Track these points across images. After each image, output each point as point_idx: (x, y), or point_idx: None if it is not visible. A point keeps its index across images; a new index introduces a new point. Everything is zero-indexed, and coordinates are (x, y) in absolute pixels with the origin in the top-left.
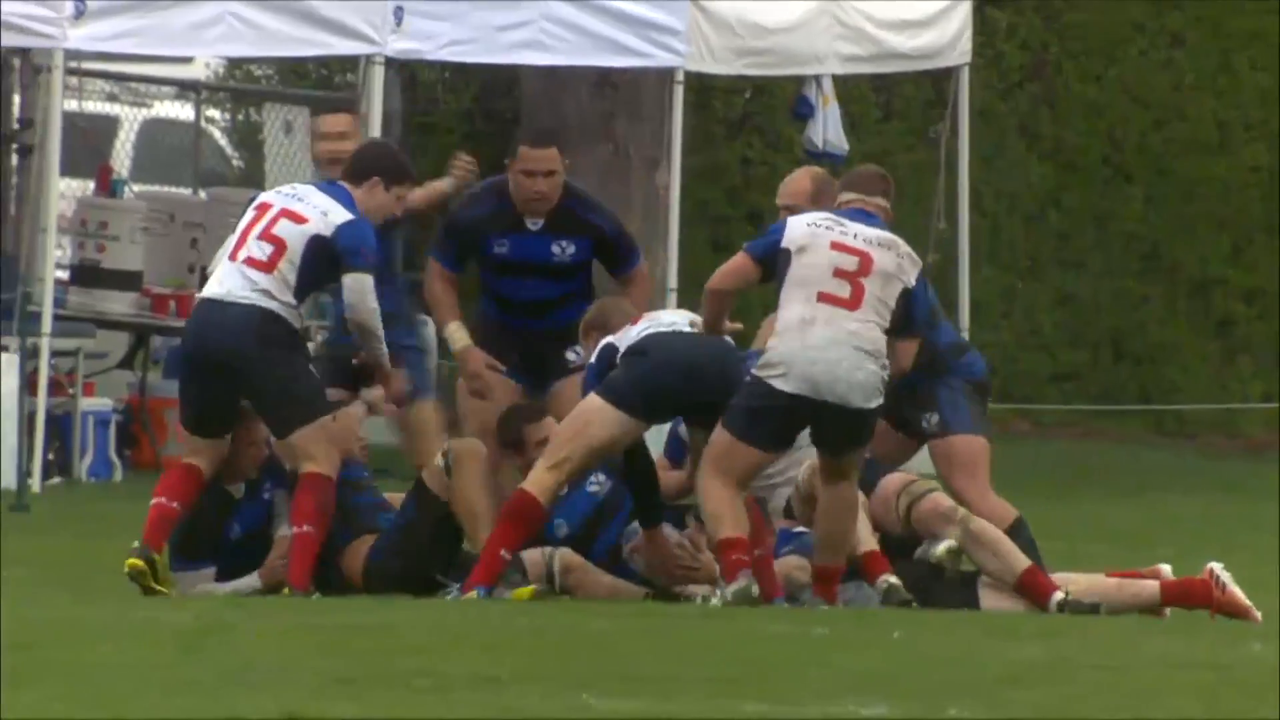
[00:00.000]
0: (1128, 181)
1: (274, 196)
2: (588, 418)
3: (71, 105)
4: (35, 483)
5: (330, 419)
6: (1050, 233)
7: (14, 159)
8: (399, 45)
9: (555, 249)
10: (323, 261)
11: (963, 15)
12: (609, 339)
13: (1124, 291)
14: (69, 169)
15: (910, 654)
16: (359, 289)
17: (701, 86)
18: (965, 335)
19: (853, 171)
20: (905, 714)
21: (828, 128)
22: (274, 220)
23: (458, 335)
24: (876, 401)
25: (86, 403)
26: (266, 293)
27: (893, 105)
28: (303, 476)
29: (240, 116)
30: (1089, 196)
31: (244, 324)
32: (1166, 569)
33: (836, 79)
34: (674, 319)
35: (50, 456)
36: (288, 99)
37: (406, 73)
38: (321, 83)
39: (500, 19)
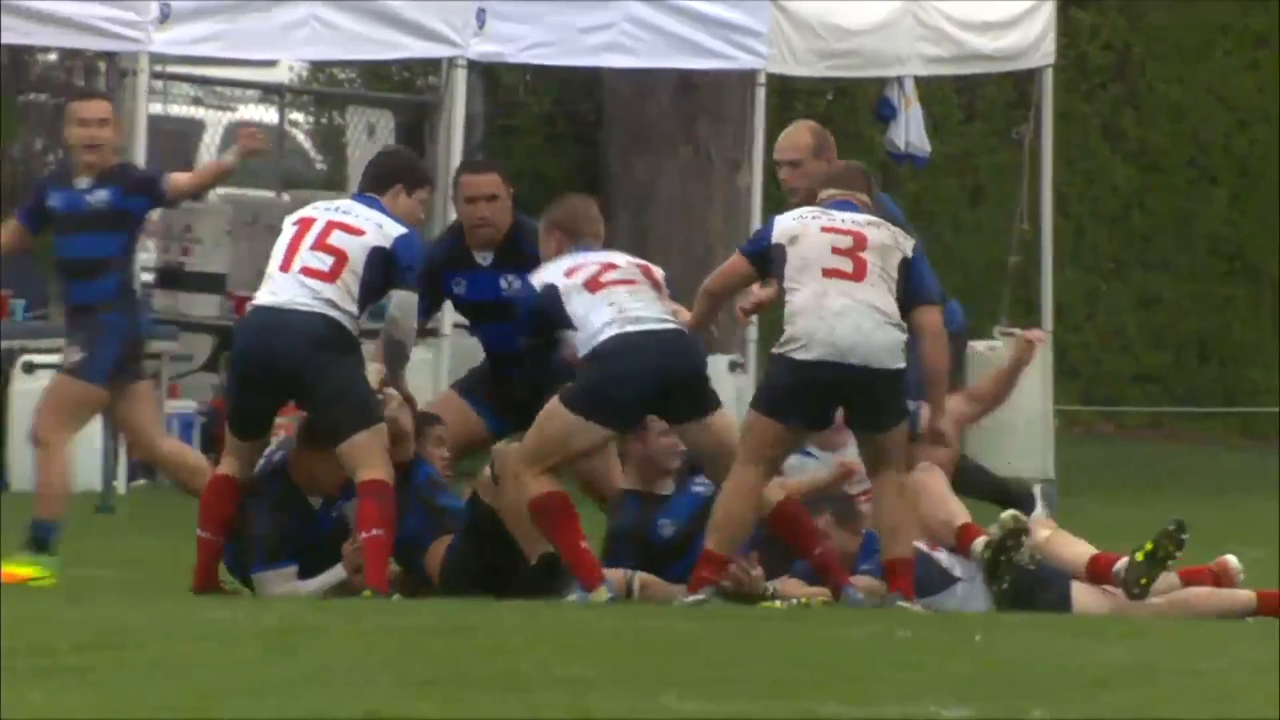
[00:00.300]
0: (1212, 183)
1: (315, 211)
2: (560, 428)
3: (156, 109)
4: (120, 484)
5: (384, 425)
6: (1134, 234)
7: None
8: (481, 48)
9: (503, 283)
10: (382, 273)
11: (1046, 16)
12: (552, 278)
13: (1207, 293)
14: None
15: (992, 656)
16: (408, 306)
17: (784, 89)
18: (1049, 336)
19: (834, 169)
20: (986, 716)
21: (910, 130)
22: (325, 232)
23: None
24: (900, 363)
25: (171, 405)
26: (330, 302)
27: (975, 107)
28: (362, 483)
29: (323, 120)
30: (1173, 198)
31: (306, 331)
32: (1232, 560)
33: (919, 80)
34: (641, 311)
35: (135, 459)
36: (370, 102)
37: (489, 75)
38: (403, 85)
39: (582, 21)
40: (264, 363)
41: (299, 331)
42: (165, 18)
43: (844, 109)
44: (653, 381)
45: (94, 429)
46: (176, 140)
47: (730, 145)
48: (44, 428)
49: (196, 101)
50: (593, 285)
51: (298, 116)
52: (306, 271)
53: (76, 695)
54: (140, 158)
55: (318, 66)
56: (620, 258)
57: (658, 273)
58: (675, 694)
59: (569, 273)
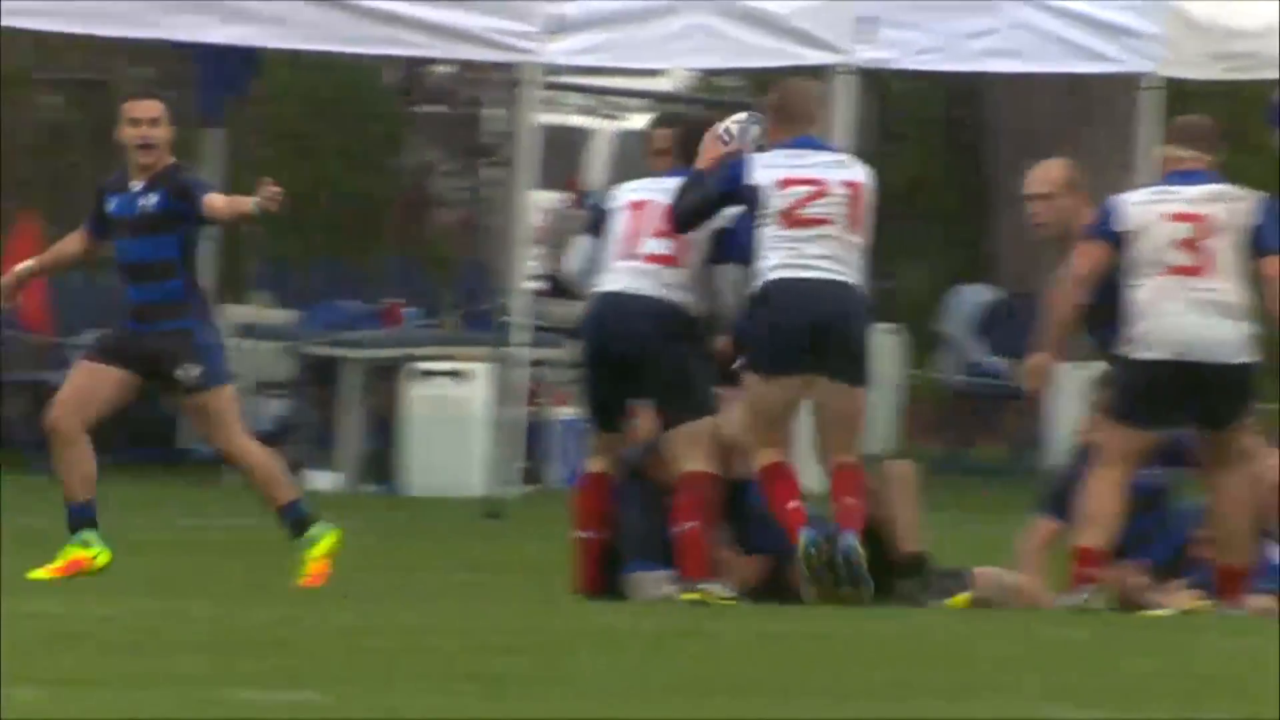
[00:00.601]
0: None
1: (645, 193)
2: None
3: (545, 118)
4: (509, 490)
5: (713, 420)
6: None
7: (489, 172)
8: (869, 54)
9: None
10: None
11: None
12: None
13: None
14: (543, 181)
15: None
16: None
17: (1177, 92)
18: None
19: (1181, 123)
20: None
21: None
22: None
23: None
24: (1247, 357)
25: (558, 412)
26: (673, 286)
27: None
28: (684, 475)
29: None
30: None
31: (651, 318)
32: None
33: None
34: (813, 258)
35: (525, 465)
36: (756, 110)
37: (876, 81)
38: None
39: (968, 26)
40: (611, 351)
41: (644, 318)
42: (556, 29)
43: (1233, 112)
44: (803, 331)
45: (477, 433)
46: (565, 149)
47: (1119, 149)
48: (229, 442)
49: (586, 111)
50: (789, 219)
51: None
52: (650, 258)
53: (468, 701)
54: (530, 166)
55: (704, 75)
56: (834, 176)
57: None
58: (1070, 703)
59: (782, 184)
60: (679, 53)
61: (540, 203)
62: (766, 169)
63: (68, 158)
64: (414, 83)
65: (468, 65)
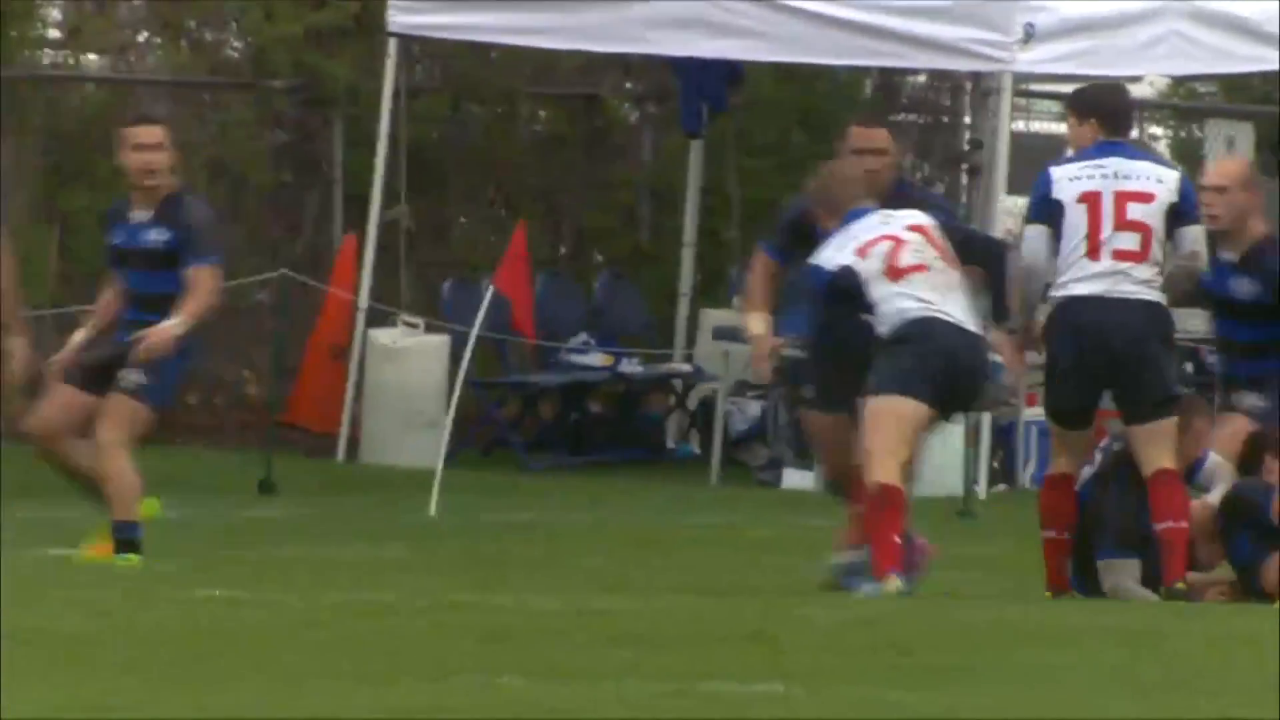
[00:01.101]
0: None
1: (1096, 183)
2: (888, 413)
3: (1018, 126)
4: (980, 490)
5: (1176, 419)
6: None
7: (964, 178)
8: None
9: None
10: (1169, 224)
11: None
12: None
13: None
14: (1014, 187)
15: None
16: (1200, 237)
17: None
18: None
19: None
20: None
21: None
22: (1119, 208)
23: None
24: None
25: (1029, 413)
26: (1145, 283)
27: None
28: (1155, 473)
29: (1182, 133)
30: None
31: (1142, 319)
32: None
33: None
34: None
35: (995, 465)
36: (1230, 115)
37: None
38: (1264, 98)
39: None
40: (1102, 354)
41: (1137, 320)
42: (1030, 38)
43: None
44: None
45: (950, 433)
46: (1038, 155)
47: None
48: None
49: (1060, 118)
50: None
51: (1156, 130)
52: (1119, 255)
53: (937, 694)
54: (1003, 174)
55: (1177, 81)
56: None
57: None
58: None
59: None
60: (1152, 59)
61: (1013, 208)
62: None
63: (558, 169)
64: (891, 92)
65: (943, 74)
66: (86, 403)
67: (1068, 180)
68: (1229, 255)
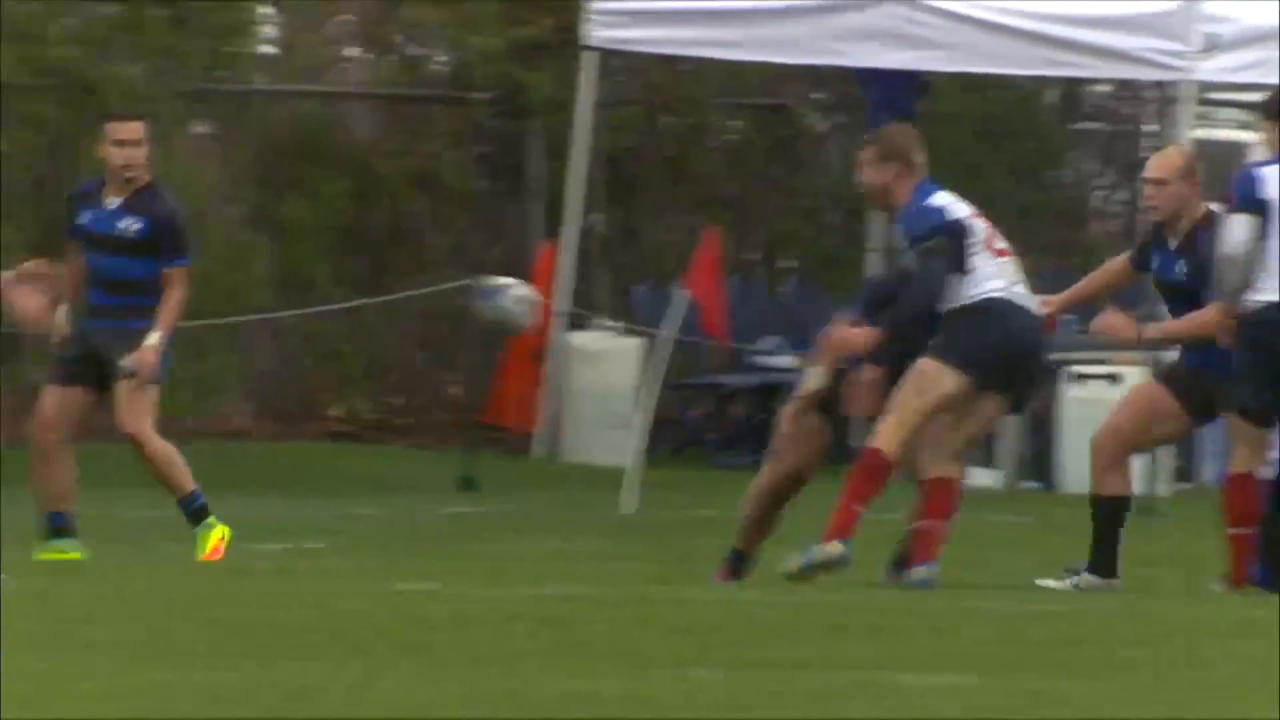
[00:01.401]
0: None
1: None
2: (926, 379)
3: (1200, 133)
4: (1162, 487)
5: None
6: None
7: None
8: None
9: None
10: None
11: None
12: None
13: None
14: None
15: None
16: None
17: None
18: None
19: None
20: None
21: None
22: None
23: None
24: None
25: None
26: None
27: None
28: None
29: None
30: None
31: None
32: None
33: None
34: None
35: (1177, 462)
36: None
37: None
38: None
39: None
40: None
41: None
42: (1211, 46)
43: None
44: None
45: None
46: (1220, 162)
47: None
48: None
49: (1244, 125)
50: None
51: None
52: None
53: (1116, 685)
54: None
55: None
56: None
57: None
58: None
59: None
60: None
61: None
62: None
63: (748, 177)
64: (1073, 102)
65: (1125, 84)
66: (81, 398)
67: (1275, 181)
68: (1173, 242)
